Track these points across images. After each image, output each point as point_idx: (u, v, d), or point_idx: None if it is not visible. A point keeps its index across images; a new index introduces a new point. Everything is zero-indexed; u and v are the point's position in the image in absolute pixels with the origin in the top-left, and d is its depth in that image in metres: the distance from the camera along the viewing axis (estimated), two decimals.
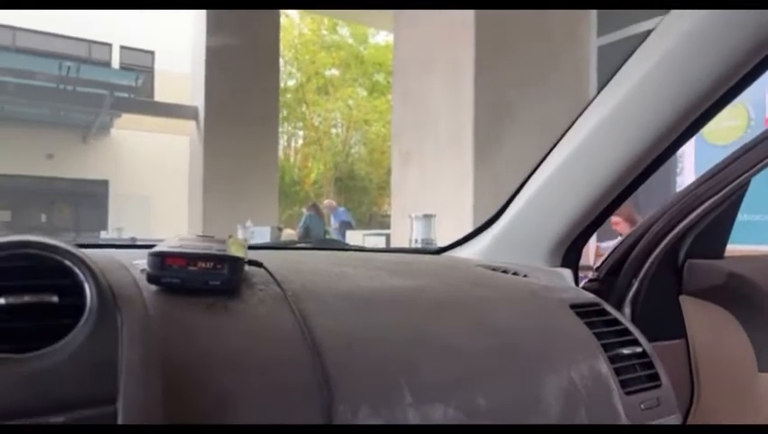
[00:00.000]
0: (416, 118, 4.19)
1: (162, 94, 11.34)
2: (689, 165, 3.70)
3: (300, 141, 16.60)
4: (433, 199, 3.91)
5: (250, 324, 0.54)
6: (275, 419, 0.47)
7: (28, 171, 11.17)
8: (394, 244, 4.41)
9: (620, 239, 0.98)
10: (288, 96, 14.97)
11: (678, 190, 1.08)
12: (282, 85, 12.49)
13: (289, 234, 7.20)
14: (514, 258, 0.99)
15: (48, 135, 11.31)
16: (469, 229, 1.12)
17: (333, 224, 8.30)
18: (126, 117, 10.99)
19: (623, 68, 0.79)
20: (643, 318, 0.91)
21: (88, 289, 0.43)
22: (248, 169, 7.39)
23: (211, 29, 7.33)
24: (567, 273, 0.98)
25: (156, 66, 12.57)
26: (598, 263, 1.00)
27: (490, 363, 0.63)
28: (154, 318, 0.48)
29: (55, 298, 0.42)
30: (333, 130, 16.50)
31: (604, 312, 0.80)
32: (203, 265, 0.55)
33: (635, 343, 0.77)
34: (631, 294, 0.94)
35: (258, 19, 7.32)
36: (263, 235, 4.86)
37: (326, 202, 9.78)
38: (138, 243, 1.06)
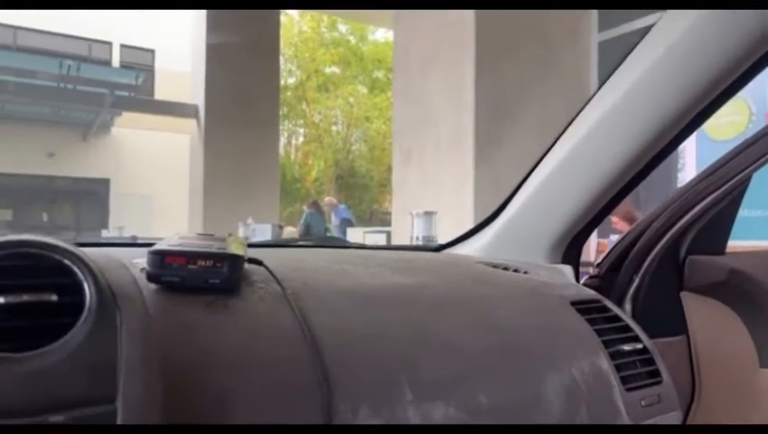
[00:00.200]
0: (416, 116, 4.18)
1: (162, 92, 11.34)
2: (691, 160, 3.69)
3: (301, 139, 16.60)
4: (434, 196, 3.91)
5: (250, 322, 0.54)
6: (275, 417, 0.47)
7: (29, 170, 11.18)
8: (395, 241, 4.41)
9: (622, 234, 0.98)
10: (289, 94, 14.97)
11: (679, 186, 1.08)
12: (282, 83, 12.49)
13: (290, 232, 7.19)
14: (515, 254, 0.99)
15: (49, 133, 11.31)
16: (470, 226, 1.12)
17: (334, 222, 8.30)
18: (127, 116, 10.99)
19: (624, 64, 0.79)
20: (644, 315, 0.91)
21: (87, 288, 0.43)
22: (249, 167, 7.39)
23: (212, 27, 7.33)
24: (568, 270, 0.97)
25: (157, 64, 12.56)
26: (599, 259, 1.00)
27: (491, 360, 0.63)
28: (153, 317, 0.48)
29: (54, 297, 0.42)
30: (334, 128, 16.49)
31: (604, 308, 0.80)
32: (203, 263, 0.55)
33: (636, 339, 0.77)
34: (632, 290, 0.93)
35: (259, 17, 7.31)
36: (264, 232, 4.86)
37: (327, 199, 9.77)
38: (138, 242, 1.06)
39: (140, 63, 12.18)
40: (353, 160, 16.36)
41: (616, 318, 0.79)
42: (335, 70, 16.09)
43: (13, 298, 0.41)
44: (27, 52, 11.02)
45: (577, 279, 0.98)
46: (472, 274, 0.84)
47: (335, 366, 0.52)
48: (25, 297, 0.41)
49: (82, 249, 0.46)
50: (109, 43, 12.28)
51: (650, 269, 0.93)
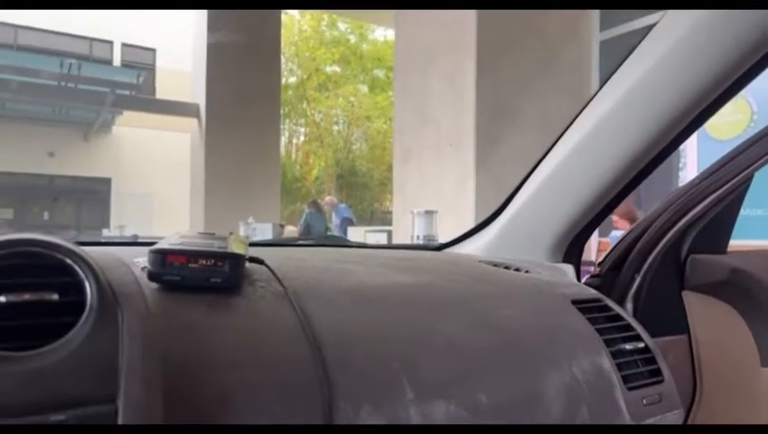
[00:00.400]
0: (417, 115, 4.18)
1: (163, 91, 11.34)
2: (692, 160, 3.69)
3: (301, 138, 16.60)
4: (435, 195, 3.91)
5: (251, 321, 0.54)
6: (276, 416, 0.47)
7: (30, 169, 11.20)
8: (396, 241, 4.41)
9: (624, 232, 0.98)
10: (289, 93, 14.97)
11: (680, 185, 1.08)
12: (283, 82, 12.48)
13: (291, 231, 7.20)
14: (516, 253, 0.99)
15: (50, 132, 11.32)
16: (470, 225, 1.12)
17: (335, 221, 8.30)
18: (128, 115, 11.00)
19: (625, 63, 0.79)
20: (646, 313, 0.91)
21: (88, 287, 0.43)
22: (250, 166, 7.39)
23: (212, 26, 7.32)
24: (569, 269, 0.97)
25: (158, 63, 12.57)
26: (600, 258, 1.00)
27: (492, 359, 0.63)
28: (154, 316, 0.48)
29: (55, 296, 0.42)
30: (335, 127, 16.49)
31: (606, 307, 0.80)
32: (204, 262, 0.55)
33: (637, 338, 0.77)
34: (633, 289, 0.93)
35: (260, 16, 7.31)
36: (265, 232, 4.86)
37: (327, 198, 9.77)
38: (139, 241, 1.06)
39: (141, 62, 12.19)
40: (354, 159, 16.36)
41: (617, 317, 0.79)
42: (336, 69, 16.09)
43: (14, 297, 0.41)
44: (28, 51, 11.03)
45: (578, 278, 0.98)
46: (474, 273, 0.84)
47: (336, 365, 0.52)
48: (26, 296, 0.41)
49: (83, 248, 0.46)
50: (110, 42, 12.28)
51: (651, 268, 0.93)
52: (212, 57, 7.36)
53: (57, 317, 0.41)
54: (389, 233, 5.27)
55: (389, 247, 1.80)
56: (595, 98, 0.83)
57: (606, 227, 3.63)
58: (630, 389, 0.70)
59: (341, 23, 15.42)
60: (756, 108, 3.44)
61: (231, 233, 0.67)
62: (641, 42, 0.76)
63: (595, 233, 1.18)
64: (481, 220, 1.09)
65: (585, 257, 1.03)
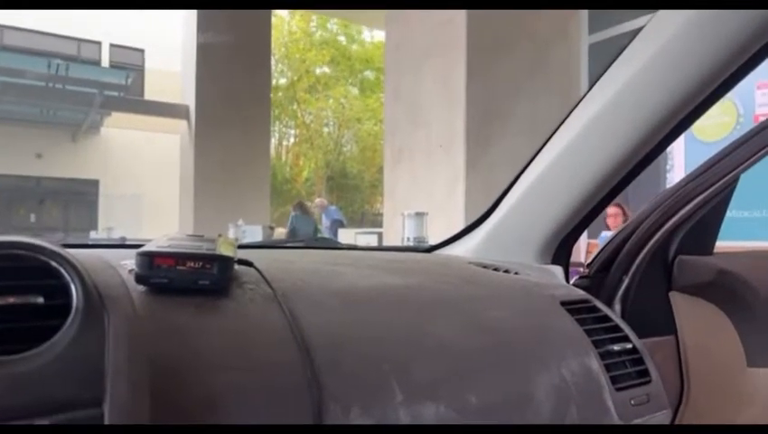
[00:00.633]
0: (408, 117, 4.19)
1: (152, 92, 11.27)
2: (679, 161, 3.72)
3: (291, 140, 16.58)
4: (425, 197, 3.92)
5: (240, 323, 0.54)
6: (264, 418, 0.47)
7: (17, 170, 11.08)
8: (387, 243, 4.41)
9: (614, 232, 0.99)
10: (280, 94, 14.94)
11: (668, 187, 1.09)
12: (273, 83, 12.46)
13: (281, 233, 7.18)
14: (505, 255, 1.00)
15: (37, 134, 11.21)
16: (460, 227, 1.12)
17: (325, 223, 8.29)
18: (116, 116, 10.91)
19: (613, 66, 0.79)
20: (633, 315, 0.92)
21: (74, 290, 0.42)
22: (240, 168, 7.36)
23: (202, 27, 7.29)
24: (558, 270, 0.98)
25: (147, 64, 12.48)
26: (589, 260, 1.01)
27: (481, 360, 0.63)
28: (142, 319, 0.47)
29: (41, 299, 0.42)
30: (325, 129, 16.48)
31: (594, 309, 0.81)
32: (192, 264, 0.54)
33: (625, 339, 0.78)
34: (621, 290, 0.94)
35: (250, 17, 7.29)
36: (254, 234, 4.85)
37: (317, 200, 9.75)
38: (127, 243, 1.05)
39: (130, 63, 12.10)
40: (344, 161, 16.35)
41: (606, 318, 0.80)
42: (326, 70, 16.08)
43: None
44: (15, 52, 10.92)
45: (567, 280, 0.99)
46: (463, 275, 0.84)
47: (325, 367, 0.52)
48: (11, 300, 0.41)
49: (70, 250, 0.46)
50: (99, 43, 12.19)
51: (639, 270, 0.94)
52: (202, 58, 7.33)
53: (42, 321, 0.41)
54: (380, 235, 5.28)
55: (379, 249, 1.80)
56: (584, 99, 0.84)
57: (595, 228, 3.65)
58: (618, 389, 0.70)
59: (330, 23, 15.41)
60: (743, 110, 3.48)
61: (220, 235, 0.67)
62: (628, 44, 0.77)
63: (584, 235, 1.19)
64: (471, 222, 1.09)
65: (573, 258, 1.03)
